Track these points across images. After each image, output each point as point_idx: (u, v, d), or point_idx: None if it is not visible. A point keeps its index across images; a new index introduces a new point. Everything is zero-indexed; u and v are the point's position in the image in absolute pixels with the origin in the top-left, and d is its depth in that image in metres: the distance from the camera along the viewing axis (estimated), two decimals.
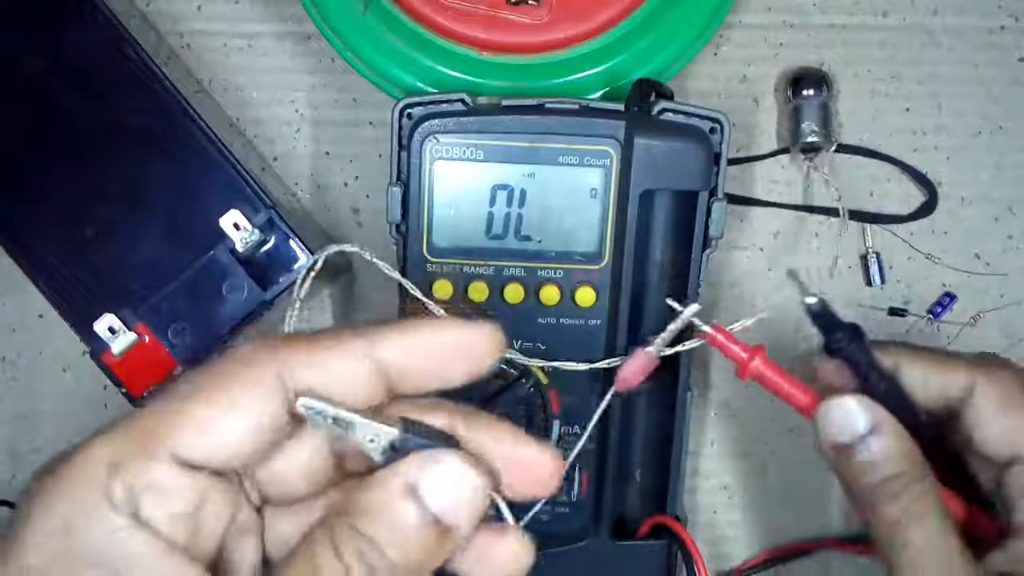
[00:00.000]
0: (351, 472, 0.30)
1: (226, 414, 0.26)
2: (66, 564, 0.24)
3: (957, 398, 0.36)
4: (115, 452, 0.25)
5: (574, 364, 0.42)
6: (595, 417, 0.40)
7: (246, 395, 0.26)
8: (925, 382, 0.37)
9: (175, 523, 0.26)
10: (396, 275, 0.41)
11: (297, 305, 0.40)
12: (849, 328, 0.37)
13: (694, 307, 0.38)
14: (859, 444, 0.35)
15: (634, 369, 0.39)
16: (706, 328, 0.38)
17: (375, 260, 0.41)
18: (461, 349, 0.28)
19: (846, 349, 0.37)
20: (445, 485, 0.26)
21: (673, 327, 0.38)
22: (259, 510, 0.29)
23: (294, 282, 0.44)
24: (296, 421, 0.27)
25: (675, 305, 0.38)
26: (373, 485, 0.26)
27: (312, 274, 0.40)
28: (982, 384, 0.36)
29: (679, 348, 0.40)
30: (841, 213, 0.48)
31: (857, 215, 0.49)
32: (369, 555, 0.25)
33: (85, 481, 0.25)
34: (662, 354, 0.40)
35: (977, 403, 0.36)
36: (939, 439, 0.37)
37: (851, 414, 0.36)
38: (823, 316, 0.37)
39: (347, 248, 0.40)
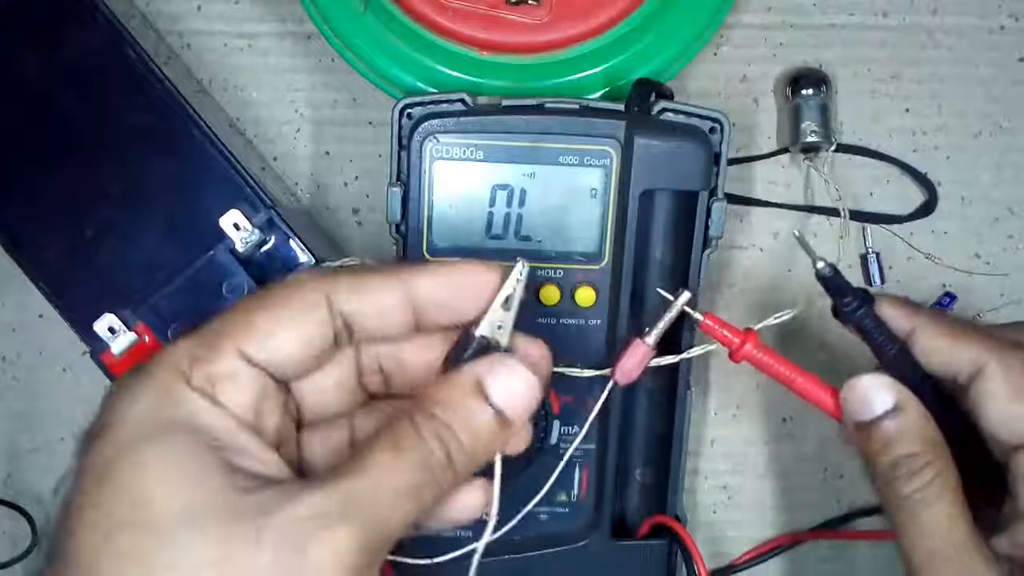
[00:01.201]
0: (373, 394, 0.35)
1: (284, 325, 0.31)
2: (164, 432, 0.29)
3: (966, 374, 0.36)
4: (193, 348, 0.30)
5: (578, 371, 0.42)
6: (594, 411, 0.41)
7: (301, 312, 0.31)
8: (936, 351, 0.37)
9: (244, 410, 0.30)
10: None
11: None
12: (859, 293, 0.37)
13: (686, 295, 0.39)
14: (879, 422, 0.36)
15: (635, 362, 0.39)
16: (698, 316, 0.39)
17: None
18: (478, 282, 0.33)
19: (855, 314, 0.37)
20: (506, 383, 0.31)
21: (668, 316, 0.39)
22: (295, 424, 0.33)
23: None
24: (337, 344, 0.32)
25: (666, 295, 0.39)
26: (448, 382, 0.32)
27: None
28: (993, 366, 0.35)
29: (685, 355, 0.41)
30: (842, 213, 0.48)
31: (857, 215, 0.49)
32: (446, 437, 0.30)
33: (169, 371, 0.30)
34: (670, 362, 0.40)
35: (986, 384, 0.35)
36: (949, 405, 0.37)
37: (872, 392, 0.36)
38: (833, 281, 0.37)
39: (347, 262, 0.40)
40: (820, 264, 0.37)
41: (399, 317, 0.32)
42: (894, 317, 0.38)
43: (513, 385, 0.32)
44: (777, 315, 0.41)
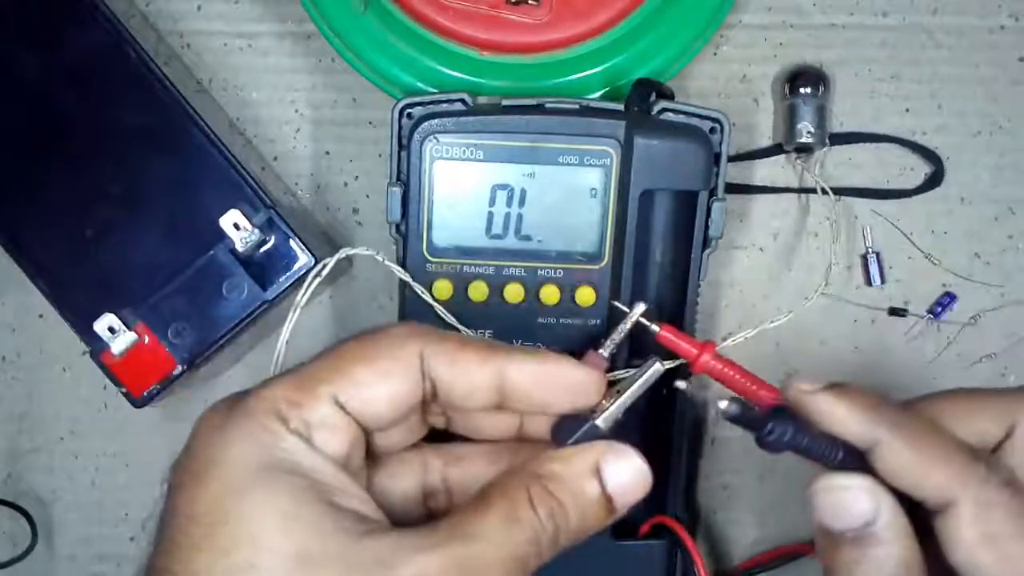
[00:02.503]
0: (433, 427, 0.36)
1: (380, 379, 0.31)
2: (270, 475, 0.29)
3: (933, 503, 0.31)
4: (291, 391, 0.31)
5: None
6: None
7: (396, 370, 0.32)
8: (900, 473, 0.31)
9: (338, 454, 0.31)
10: (407, 278, 0.41)
11: (298, 311, 0.39)
12: (775, 419, 0.32)
13: (640, 307, 0.39)
14: (855, 537, 0.31)
15: None
16: (655, 327, 0.39)
17: (388, 263, 0.41)
18: (576, 387, 0.34)
19: (781, 441, 0.32)
20: (623, 472, 0.32)
21: (622, 328, 0.39)
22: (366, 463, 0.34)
23: (295, 282, 0.44)
24: (423, 404, 0.33)
25: (621, 307, 0.39)
26: (566, 459, 0.32)
27: (319, 280, 0.40)
28: (963, 506, 0.30)
29: (636, 372, 0.40)
30: (831, 215, 0.47)
31: (864, 192, 0.49)
32: (558, 515, 0.31)
33: (268, 412, 0.30)
34: (620, 377, 0.40)
35: (953, 528, 0.30)
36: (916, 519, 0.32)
37: (848, 498, 0.31)
38: (742, 418, 0.32)
39: (361, 252, 0.40)
40: (723, 404, 0.32)
41: (485, 397, 0.33)
42: (851, 423, 0.32)
43: (627, 473, 0.32)
44: (746, 332, 0.42)
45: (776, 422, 0.32)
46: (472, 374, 0.32)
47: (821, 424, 0.32)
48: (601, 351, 0.38)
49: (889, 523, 0.31)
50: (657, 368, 0.34)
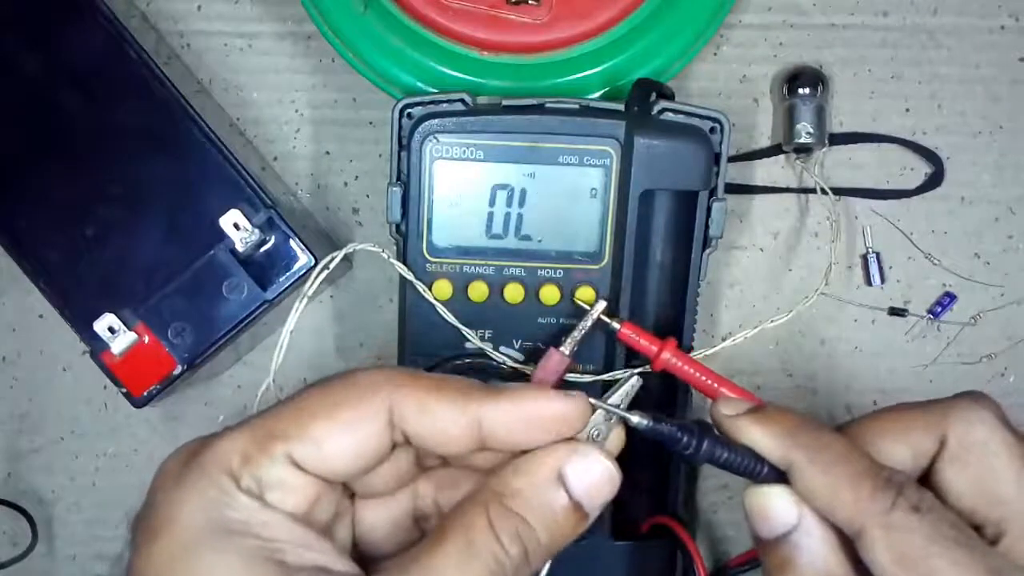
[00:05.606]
0: (428, 467, 0.34)
1: (340, 435, 0.30)
2: (219, 537, 0.28)
3: (848, 531, 0.31)
4: (245, 445, 0.29)
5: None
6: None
7: (360, 422, 0.30)
8: (813, 496, 0.32)
9: (296, 508, 0.30)
10: (411, 276, 0.41)
11: (304, 301, 0.40)
12: (693, 430, 0.33)
13: (601, 304, 0.40)
14: (780, 544, 0.32)
15: (549, 370, 0.39)
16: (615, 325, 0.40)
17: (392, 260, 0.41)
18: (560, 420, 0.31)
19: (701, 453, 0.33)
20: (588, 474, 0.30)
21: (583, 324, 0.40)
22: (350, 497, 0.33)
23: (295, 281, 0.44)
24: (394, 449, 0.31)
25: (583, 304, 0.40)
26: (525, 470, 0.30)
27: (327, 271, 0.40)
28: (872, 533, 0.30)
29: (606, 376, 0.40)
30: (830, 213, 0.47)
31: (865, 192, 0.49)
32: (524, 533, 0.29)
33: (220, 469, 0.29)
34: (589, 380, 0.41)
35: (867, 554, 0.30)
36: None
37: (772, 506, 0.32)
38: (658, 432, 0.33)
39: (368, 247, 0.41)
40: (634, 419, 0.32)
41: (462, 444, 0.31)
42: (767, 447, 0.33)
43: (593, 475, 0.31)
44: (746, 332, 0.42)
45: (690, 437, 0.32)
46: (445, 423, 0.30)
47: (753, 438, 0.33)
48: (563, 348, 0.39)
49: (808, 531, 0.32)
50: (634, 381, 0.33)
